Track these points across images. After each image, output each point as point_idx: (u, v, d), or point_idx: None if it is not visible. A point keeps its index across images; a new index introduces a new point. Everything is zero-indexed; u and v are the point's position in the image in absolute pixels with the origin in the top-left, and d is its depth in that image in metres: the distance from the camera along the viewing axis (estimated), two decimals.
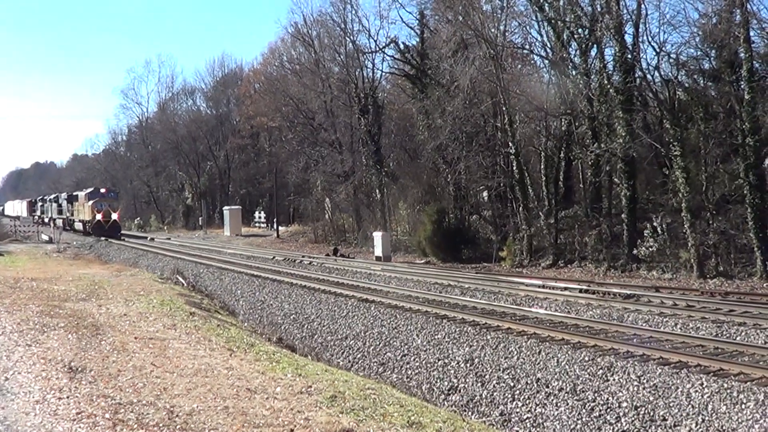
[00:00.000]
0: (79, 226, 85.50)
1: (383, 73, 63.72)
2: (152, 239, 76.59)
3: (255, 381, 13.17)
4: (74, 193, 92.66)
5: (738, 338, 18.89)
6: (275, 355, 17.16)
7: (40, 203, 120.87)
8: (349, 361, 22.41)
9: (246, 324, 28.05)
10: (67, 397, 11.04)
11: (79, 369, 12.89)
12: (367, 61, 62.49)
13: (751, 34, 31.75)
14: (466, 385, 17.96)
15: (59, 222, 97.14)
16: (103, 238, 72.72)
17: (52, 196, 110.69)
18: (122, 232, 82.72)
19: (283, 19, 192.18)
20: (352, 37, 62.26)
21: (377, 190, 58.92)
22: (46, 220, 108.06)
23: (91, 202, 78.58)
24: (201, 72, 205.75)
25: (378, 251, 46.91)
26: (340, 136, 65.16)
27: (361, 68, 62.34)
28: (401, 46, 57.30)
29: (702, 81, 36.59)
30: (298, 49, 74.01)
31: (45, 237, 75.48)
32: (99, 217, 76.94)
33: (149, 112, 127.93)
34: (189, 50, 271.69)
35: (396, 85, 64.44)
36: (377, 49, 60.11)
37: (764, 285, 28.64)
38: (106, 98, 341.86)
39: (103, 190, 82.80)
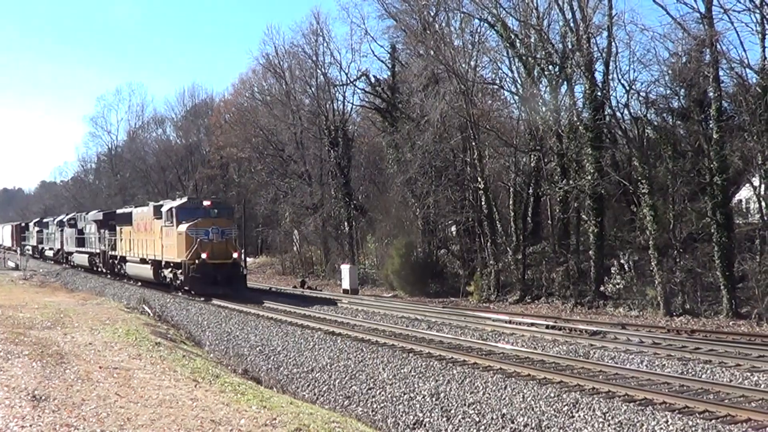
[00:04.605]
0: (141, 270, 47.75)
1: (354, 106, 64.16)
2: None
3: (220, 412, 13.07)
4: (123, 211, 56.39)
5: (704, 376, 18.97)
6: (240, 386, 17.06)
7: (35, 228, 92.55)
8: (315, 394, 22.24)
9: (212, 355, 27.78)
10: (30, 426, 10.93)
11: (43, 397, 12.74)
12: (338, 94, 62.83)
13: (720, 73, 32.28)
14: (432, 420, 17.87)
15: (79, 258, 65.37)
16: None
17: (65, 218, 74.06)
18: None
19: (255, 50, 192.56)
20: (323, 70, 62.53)
21: (346, 223, 58.98)
22: (48, 252, 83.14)
23: (185, 227, 39.55)
24: (171, 101, 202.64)
25: (345, 284, 46.79)
26: (310, 168, 65.18)
27: (332, 101, 62.49)
28: (372, 80, 57.77)
29: (671, 119, 37.09)
30: (269, 81, 74.12)
31: (11, 264, 74.76)
32: (204, 255, 38.81)
33: (119, 140, 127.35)
34: (159, 79, 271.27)
35: (366, 118, 64.80)
36: (348, 81, 60.50)
37: (730, 323, 28.91)
38: (75, 125, 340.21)
39: (206, 203, 42.54)
